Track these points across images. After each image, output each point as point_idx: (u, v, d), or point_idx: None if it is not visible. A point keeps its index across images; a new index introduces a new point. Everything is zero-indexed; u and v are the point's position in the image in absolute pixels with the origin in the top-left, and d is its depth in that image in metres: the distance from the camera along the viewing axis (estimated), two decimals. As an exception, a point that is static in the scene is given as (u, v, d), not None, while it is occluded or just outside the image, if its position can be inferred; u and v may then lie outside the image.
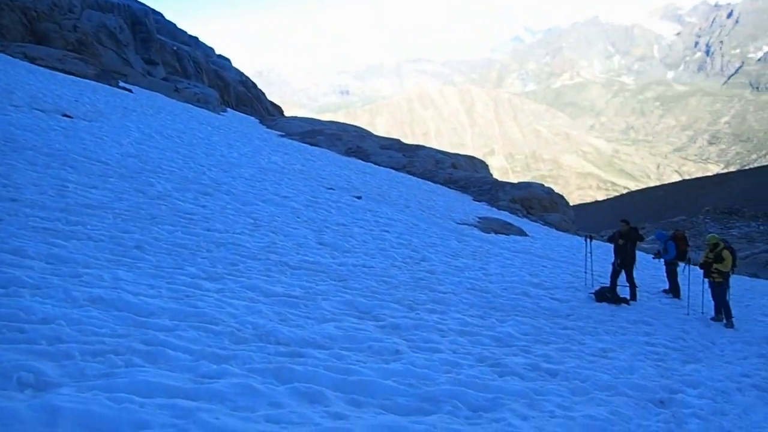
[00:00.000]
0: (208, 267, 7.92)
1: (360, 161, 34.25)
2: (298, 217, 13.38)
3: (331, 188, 19.90)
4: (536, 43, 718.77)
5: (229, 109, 44.70)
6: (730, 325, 11.90)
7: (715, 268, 12.00)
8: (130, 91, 31.11)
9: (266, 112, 55.52)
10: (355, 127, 51.88)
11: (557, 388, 6.14)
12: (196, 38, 56.08)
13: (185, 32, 54.71)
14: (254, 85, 59.74)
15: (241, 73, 58.55)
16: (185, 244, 8.68)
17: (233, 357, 5.00)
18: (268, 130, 39.29)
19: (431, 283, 10.42)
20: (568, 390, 6.19)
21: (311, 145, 35.04)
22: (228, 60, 59.56)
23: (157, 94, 34.99)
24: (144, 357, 4.55)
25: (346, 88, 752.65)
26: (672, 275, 14.71)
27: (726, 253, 11.93)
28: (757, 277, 31.56)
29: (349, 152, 37.12)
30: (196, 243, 8.93)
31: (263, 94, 60.78)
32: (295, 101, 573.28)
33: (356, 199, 19.01)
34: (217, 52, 59.49)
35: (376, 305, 8.09)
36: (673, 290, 14.63)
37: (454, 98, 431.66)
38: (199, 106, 36.56)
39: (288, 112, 68.04)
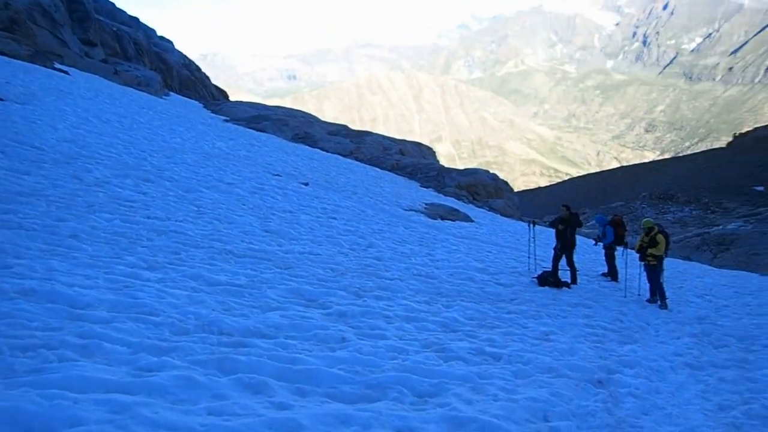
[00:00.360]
0: (148, 256, 7.70)
1: (307, 147, 33.96)
2: (243, 204, 13.16)
3: (277, 175, 19.66)
4: (482, 30, 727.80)
5: (171, 93, 43.55)
6: (664, 306, 12.33)
7: (650, 252, 12.42)
8: (66, 73, 29.89)
9: (211, 96, 54.36)
10: (303, 112, 51.35)
11: (501, 372, 6.24)
12: (136, 19, 54.22)
13: (125, 12, 52.80)
14: (198, 68, 58.37)
15: (185, 56, 57.07)
16: (124, 233, 8.41)
17: (174, 349, 4.88)
18: (213, 114, 38.51)
19: (378, 270, 10.43)
20: (512, 373, 6.29)
21: (257, 130, 34.50)
22: (170, 42, 57.90)
23: (96, 76, 33.75)
24: (79, 351, 4.39)
25: (294, 72, 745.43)
26: (610, 259, 15.15)
27: (660, 238, 12.34)
28: (690, 259, 32.86)
29: (296, 138, 36.73)
30: (136, 231, 8.66)
31: (207, 78, 59.46)
32: (241, 86, 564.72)
33: (303, 186, 18.84)
34: (159, 33, 57.75)
35: (322, 293, 8.04)
36: (611, 273, 15.07)
37: (402, 84, 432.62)
38: (140, 90, 35.48)
39: (233, 97, 66.78)
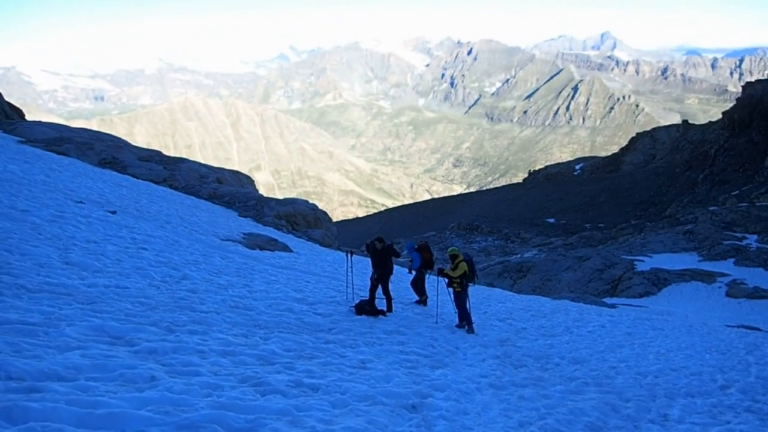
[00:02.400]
0: None
1: (116, 173, 31.83)
2: (39, 234, 11.95)
3: (80, 202, 18.16)
4: (301, 62, 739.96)
5: (-47, 109, 38.67)
6: (471, 330, 13.21)
7: (446, 274, 13.33)
8: None
9: (3, 114, 49.06)
10: (111, 136, 48.07)
11: (319, 403, 6.25)
12: None
13: None
14: (-13, 83, 52.55)
15: (-30, 69, 51.17)
16: None
17: (-51, 399, 4.28)
18: (5, 134, 34.72)
19: (192, 303, 9.99)
20: (329, 403, 6.34)
21: (58, 153, 31.68)
22: (-47, 52, 51.65)
23: None
24: None
25: (101, 93, 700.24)
26: (419, 283, 15.89)
27: (462, 265, 13.27)
28: (493, 286, 35.51)
29: (103, 163, 34.30)
30: None
31: (0, 94, 53.71)
32: (41, 105, 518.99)
33: (110, 214, 17.59)
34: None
35: (130, 329, 7.51)
36: (420, 295, 15.84)
37: (220, 111, 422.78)
38: None
39: (31, 117, 60.88)
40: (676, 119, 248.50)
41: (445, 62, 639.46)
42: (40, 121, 49.34)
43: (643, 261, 44.09)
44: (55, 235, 12.24)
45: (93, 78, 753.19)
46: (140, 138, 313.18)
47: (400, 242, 67.72)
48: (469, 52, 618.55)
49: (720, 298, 35.04)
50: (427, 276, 15.91)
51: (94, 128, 69.07)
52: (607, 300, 32.82)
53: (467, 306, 13.42)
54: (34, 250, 10.48)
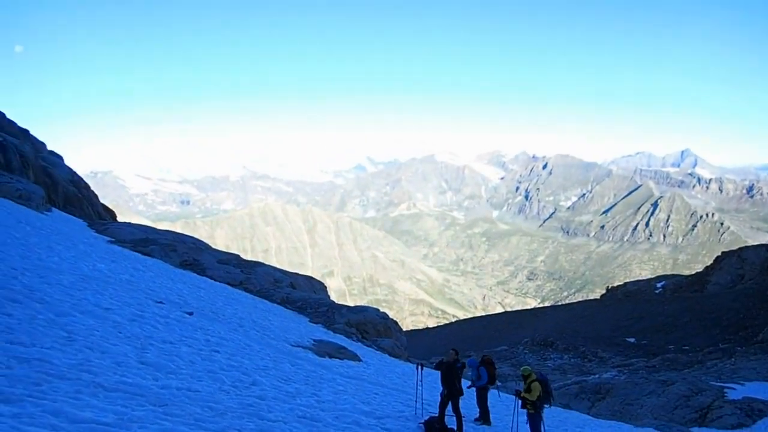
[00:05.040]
0: (4, 387, 6.92)
1: (195, 275, 32.92)
2: (119, 332, 12.31)
3: (160, 302, 18.74)
4: (377, 173, 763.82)
5: (54, 209, 41.57)
6: (547, 457, 12.40)
7: (523, 396, 12.71)
8: (-62, 179, 28.00)
9: (97, 215, 52.41)
10: (193, 238, 50.27)
11: None
12: (26, 131, 52.61)
13: (15, 123, 51.18)
14: (87, 186, 56.56)
15: (74, 172, 55.32)
16: (-21, 360, 7.58)
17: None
18: (97, 234, 36.87)
19: (260, 410, 9.88)
20: None
21: (143, 254, 33.22)
22: (60, 157, 56.28)
23: (-28, 186, 31.80)
24: None
25: (188, 197, 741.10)
26: (483, 401, 15.15)
27: (535, 385, 12.70)
28: (569, 407, 33.61)
29: (184, 264, 35.61)
30: (-6, 358, 7.83)
31: (96, 196, 57.63)
32: (131, 207, 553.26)
33: (187, 315, 18.02)
34: (50, 148, 56.14)
35: (198, 435, 7.46)
36: (484, 417, 15.03)
37: (297, 217, 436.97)
38: (20, 203, 33.63)
39: (122, 218, 64.80)
40: (765, 239, 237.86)
41: (520, 176, 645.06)
42: (129, 223, 52.30)
43: (734, 389, 40.89)
44: (134, 335, 12.57)
45: (181, 183, 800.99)
46: (220, 241, 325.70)
47: (471, 355, 65.86)
48: (544, 167, 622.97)
49: (825, 435, 31.77)
50: (497, 391, 15.26)
51: (178, 230, 72.51)
52: (695, 430, 30.35)
53: (542, 429, 12.68)
54: (114, 348, 10.76)
